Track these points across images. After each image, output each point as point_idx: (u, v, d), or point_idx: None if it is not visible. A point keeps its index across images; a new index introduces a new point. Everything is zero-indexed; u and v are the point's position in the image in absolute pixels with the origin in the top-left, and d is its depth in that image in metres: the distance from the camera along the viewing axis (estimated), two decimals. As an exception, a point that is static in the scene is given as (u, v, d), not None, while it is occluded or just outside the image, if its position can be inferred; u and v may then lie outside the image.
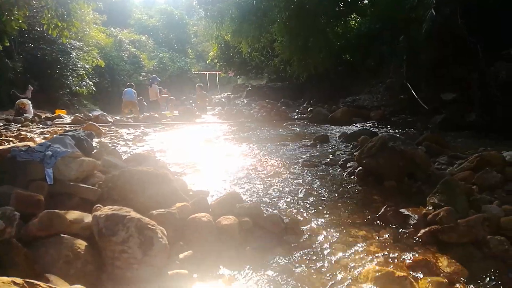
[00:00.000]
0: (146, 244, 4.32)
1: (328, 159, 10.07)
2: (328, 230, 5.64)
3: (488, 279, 4.22)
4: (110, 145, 11.48)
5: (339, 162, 9.47)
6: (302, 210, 6.49)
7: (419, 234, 5.12)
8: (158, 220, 4.88)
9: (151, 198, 5.61)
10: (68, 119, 21.97)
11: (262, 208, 6.22)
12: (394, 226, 5.57)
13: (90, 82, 38.77)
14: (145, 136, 15.46)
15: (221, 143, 13.70)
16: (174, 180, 6.52)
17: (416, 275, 4.29)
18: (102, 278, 4.17)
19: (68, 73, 35.37)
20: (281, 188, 7.71)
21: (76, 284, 3.68)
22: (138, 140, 14.24)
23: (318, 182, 8.08)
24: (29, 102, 24.53)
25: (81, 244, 4.30)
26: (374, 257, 4.74)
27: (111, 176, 6.03)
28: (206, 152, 11.66)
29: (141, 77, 49.85)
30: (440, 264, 4.51)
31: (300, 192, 7.41)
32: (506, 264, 4.45)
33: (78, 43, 36.70)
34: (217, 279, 4.43)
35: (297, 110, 25.51)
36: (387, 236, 5.32)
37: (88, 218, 4.71)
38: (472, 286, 4.12)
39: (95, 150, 8.49)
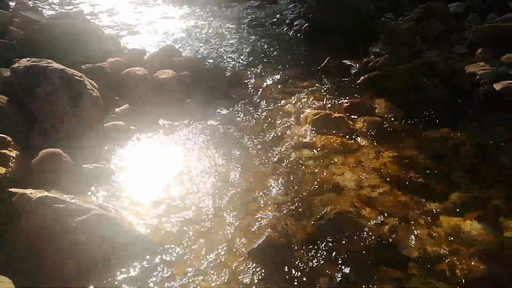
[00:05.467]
0: (75, 96, 3.99)
1: (275, 19, 9.54)
2: (271, 83, 5.56)
3: (418, 118, 4.43)
4: (31, 5, 10.06)
5: (286, 21, 9.03)
6: (246, 65, 6.27)
7: (358, 81, 5.18)
8: (88, 74, 4.48)
9: (78, 53, 5.08)
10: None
11: (203, 62, 5.93)
12: (335, 76, 5.57)
13: None
14: (74, 0, 13.69)
15: (160, 5, 12.48)
16: (105, 37, 5.92)
17: (352, 116, 4.43)
18: (33, 136, 3.89)
19: None
20: (224, 47, 7.33)
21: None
22: (66, 3, 12.60)
23: (264, 41, 7.74)
24: None
25: (3, 99, 3.89)
26: (314, 103, 4.79)
27: (31, 31, 5.31)
28: (143, 15, 10.62)
29: None
30: (376, 106, 4.65)
31: (245, 50, 7.10)
32: (437, 103, 4.66)
33: None
34: (157, 130, 4.32)
35: (244, -27, 23.43)
36: (328, 85, 5.34)
37: (6, 72, 4.21)
38: (403, 124, 4.33)
39: (11, 8, 7.40)
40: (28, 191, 2.70)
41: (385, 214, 2.96)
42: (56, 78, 3.96)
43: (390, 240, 2.73)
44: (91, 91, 4.11)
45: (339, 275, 2.46)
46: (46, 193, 2.73)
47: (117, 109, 4.43)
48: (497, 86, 4.78)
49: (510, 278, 2.46)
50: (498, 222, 2.90)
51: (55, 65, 4.09)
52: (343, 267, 2.51)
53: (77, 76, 4.10)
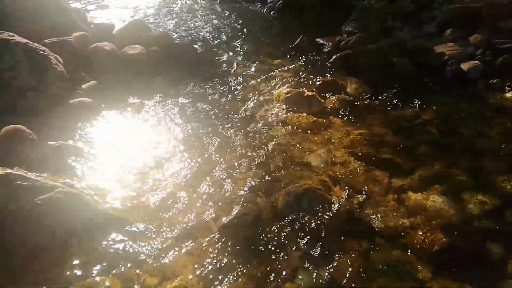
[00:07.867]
0: (39, 70, 3.83)
1: (249, -4, 9.37)
2: (244, 60, 5.50)
3: (388, 96, 4.49)
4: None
5: (260, -2, 8.88)
6: (218, 42, 6.17)
7: (331, 60, 5.20)
8: (52, 49, 4.28)
9: (42, 26, 4.82)
10: None
11: (173, 38, 5.78)
12: (308, 55, 5.57)
13: None
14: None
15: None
16: (70, 10, 5.65)
17: (324, 94, 4.45)
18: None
19: None
20: (196, 23, 7.17)
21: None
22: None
23: (237, 18, 7.61)
24: None
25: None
26: (286, 81, 4.78)
27: (-13, 1, 5.00)
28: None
29: None
30: (347, 84, 4.69)
31: (217, 27, 6.97)
32: (406, 81, 4.74)
33: None
34: (126, 107, 4.21)
35: None
36: (300, 63, 5.33)
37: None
38: (373, 101, 4.39)
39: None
40: (-10, 169, 2.59)
41: (353, 189, 3.03)
42: (19, 52, 3.78)
43: (357, 214, 2.80)
44: (56, 66, 3.96)
45: (307, 248, 2.51)
46: (9, 170, 2.63)
47: (83, 86, 4.28)
48: (464, 66, 4.90)
49: (470, 249, 2.58)
50: (460, 195, 3.02)
51: (18, 38, 3.89)
52: (311, 241, 2.56)
53: (40, 50, 3.92)
